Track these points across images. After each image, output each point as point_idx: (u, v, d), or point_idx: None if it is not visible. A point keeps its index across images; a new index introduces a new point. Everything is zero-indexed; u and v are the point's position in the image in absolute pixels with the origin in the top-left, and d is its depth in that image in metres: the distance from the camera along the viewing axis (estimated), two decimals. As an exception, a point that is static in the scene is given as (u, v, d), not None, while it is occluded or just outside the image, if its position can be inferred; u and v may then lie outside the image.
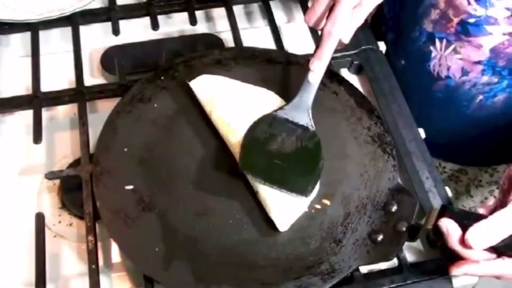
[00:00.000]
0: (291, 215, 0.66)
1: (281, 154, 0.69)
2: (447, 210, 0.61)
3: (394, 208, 0.67)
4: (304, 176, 0.67)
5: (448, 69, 0.81)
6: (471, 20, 0.74)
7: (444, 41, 0.79)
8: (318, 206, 0.68)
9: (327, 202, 0.68)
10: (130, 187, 0.69)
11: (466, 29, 0.75)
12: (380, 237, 0.65)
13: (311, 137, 0.70)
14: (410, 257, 0.68)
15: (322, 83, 0.78)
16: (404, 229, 0.65)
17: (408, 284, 0.66)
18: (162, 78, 0.78)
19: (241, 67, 0.80)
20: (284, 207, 0.66)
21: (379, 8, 1.00)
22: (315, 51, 0.70)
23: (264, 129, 0.70)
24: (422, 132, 0.78)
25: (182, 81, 0.77)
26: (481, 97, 0.82)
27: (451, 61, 0.80)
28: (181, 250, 0.64)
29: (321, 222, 0.67)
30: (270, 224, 0.66)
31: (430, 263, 0.68)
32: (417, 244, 0.70)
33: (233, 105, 0.73)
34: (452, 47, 0.78)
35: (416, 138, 0.77)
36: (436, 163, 0.98)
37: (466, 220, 0.59)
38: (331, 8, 0.68)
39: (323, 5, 0.69)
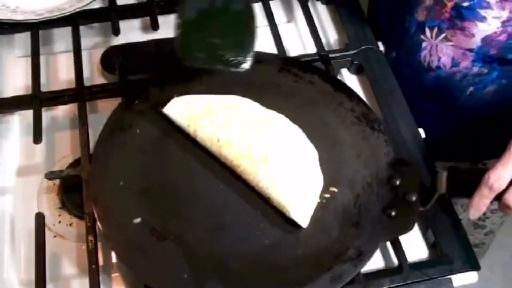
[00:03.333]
0: (308, 210, 0.66)
1: (214, 28, 0.73)
2: (457, 171, 0.63)
3: (398, 181, 0.68)
4: (240, 45, 0.72)
5: (438, 59, 0.81)
6: (465, 4, 0.74)
7: (436, 29, 0.79)
8: (327, 195, 0.68)
9: (334, 189, 0.69)
10: (138, 220, 0.66)
11: (460, 14, 0.76)
12: (393, 212, 0.66)
13: None
14: (410, 257, 0.68)
15: (296, 75, 0.78)
16: (414, 199, 0.66)
17: (408, 284, 0.66)
18: (136, 102, 0.75)
19: (215, 77, 0.77)
20: (300, 204, 0.66)
21: (373, 4, 0.99)
22: None
23: (194, 7, 0.74)
24: (422, 132, 0.78)
25: (157, 103, 0.75)
26: (471, 88, 0.83)
27: (441, 50, 0.80)
28: (209, 270, 0.63)
29: (335, 209, 0.67)
30: (287, 224, 0.66)
31: (430, 263, 0.68)
32: (417, 244, 0.71)
33: (215, 119, 0.72)
34: (443, 35, 0.79)
35: (416, 138, 0.77)
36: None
37: (477, 176, 0.61)
38: None
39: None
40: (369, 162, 0.71)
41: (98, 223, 0.65)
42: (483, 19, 0.74)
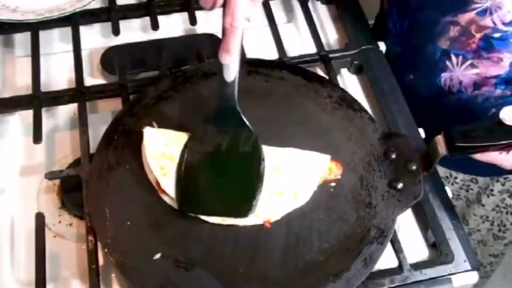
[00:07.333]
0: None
1: (219, 176, 0.66)
2: (455, 130, 0.65)
3: (394, 154, 0.70)
4: (246, 195, 0.65)
5: (460, 83, 0.80)
6: (496, 35, 0.73)
7: (460, 57, 0.78)
8: (333, 184, 0.69)
9: (338, 176, 0.70)
10: (158, 255, 0.63)
11: (490, 44, 0.74)
12: (400, 184, 0.68)
13: (247, 138, 0.67)
14: (410, 257, 0.68)
15: (265, 74, 0.78)
16: (414, 167, 0.69)
17: (408, 284, 0.66)
18: (116, 137, 0.72)
19: (182, 94, 0.76)
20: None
21: (383, 17, 0.98)
22: (222, 43, 0.62)
23: (197, 150, 0.67)
24: (422, 132, 0.78)
25: (134, 132, 0.71)
26: (494, 110, 0.81)
27: (463, 76, 0.79)
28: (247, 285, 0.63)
29: (345, 196, 0.68)
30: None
31: (430, 263, 0.68)
32: (417, 244, 0.71)
33: None
34: (468, 62, 0.77)
35: (416, 138, 0.77)
36: (447, 174, 0.98)
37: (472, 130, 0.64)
38: None
39: None
40: (361, 143, 0.72)
41: (118, 270, 0.63)
42: None
